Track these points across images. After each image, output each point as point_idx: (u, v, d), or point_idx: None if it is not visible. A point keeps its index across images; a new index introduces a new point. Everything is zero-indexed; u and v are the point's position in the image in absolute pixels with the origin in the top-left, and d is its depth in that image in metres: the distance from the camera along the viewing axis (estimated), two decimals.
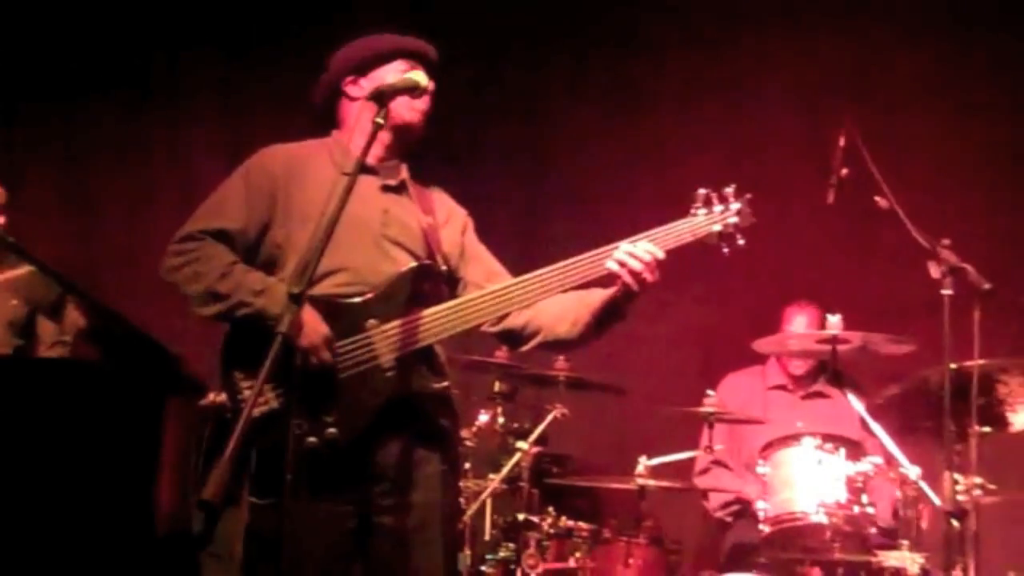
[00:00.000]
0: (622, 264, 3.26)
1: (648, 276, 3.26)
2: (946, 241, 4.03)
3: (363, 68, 3.53)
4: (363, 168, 3.31)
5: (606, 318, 3.43)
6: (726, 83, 6.80)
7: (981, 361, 4.08)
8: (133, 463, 4.80)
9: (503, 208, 6.56)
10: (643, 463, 5.19)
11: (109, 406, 3.91)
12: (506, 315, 3.47)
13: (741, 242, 3.33)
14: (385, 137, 3.45)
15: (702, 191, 3.35)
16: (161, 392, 4.65)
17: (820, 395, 5.95)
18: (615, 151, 6.90)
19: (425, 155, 3.64)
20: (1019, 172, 6.32)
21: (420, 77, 3.39)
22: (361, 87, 3.51)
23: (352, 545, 3.32)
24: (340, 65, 3.56)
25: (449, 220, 3.61)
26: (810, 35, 6.70)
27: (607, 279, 3.33)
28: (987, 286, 3.96)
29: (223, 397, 3.33)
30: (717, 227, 3.32)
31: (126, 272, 6.00)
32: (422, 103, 3.47)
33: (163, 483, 4.85)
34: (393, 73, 3.47)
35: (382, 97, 3.24)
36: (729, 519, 5.77)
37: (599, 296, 3.41)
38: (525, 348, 3.59)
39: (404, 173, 3.56)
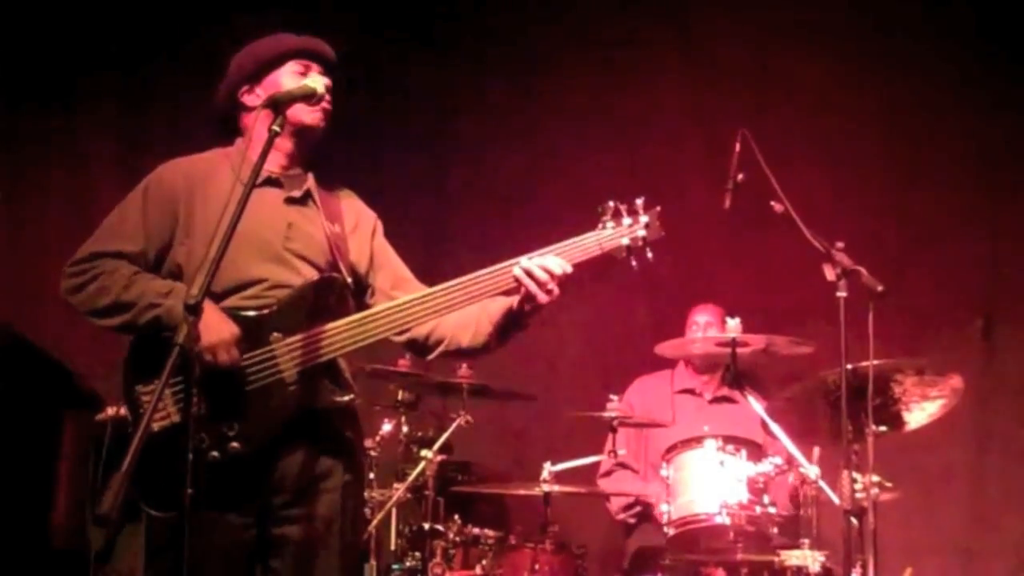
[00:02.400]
0: (529, 275, 3.25)
1: (554, 290, 3.26)
2: (840, 244, 4.09)
3: (257, 75, 3.47)
4: (267, 180, 3.30)
5: (508, 328, 3.43)
6: (625, 91, 6.86)
7: (876, 362, 4.15)
8: (28, 478, 4.72)
9: (407, 215, 6.54)
10: (548, 469, 5.21)
11: (2, 421, 3.83)
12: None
13: (649, 255, 3.33)
14: (286, 144, 3.41)
15: (611, 203, 3.32)
16: (56, 407, 4.58)
17: (727, 400, 6.01)
18: (517, 159, 6.92)
19: (327, 163, 3.60)
20: (909, 173, 6.46)
21: (316, 83, 3.37)
22: (257, 95, 3.45)
23: (254, 556, 3.29)
24: (234, 75, 3.50)
25: (358, 226, 3.58)
26: (705, 43, 6.79)
27: (511, 288, 3.32)
28: (880, 288, 4.02)
29: (123, 411, 3.27)
30: (626, 240, 3.30)
31: (20, 286, 5.88)
32: (321, 105, 3.42)
33: (59, 498, 4.77)
34: (287, 76, 3.43)
35: (278, 105, 3.21)
36: (632, 520, 5.81)
37: (501, 305, 3.41)
38: (430, 357, 3.59)
39: (310, 182, 3.51)
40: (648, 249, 3.31)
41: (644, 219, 3.31)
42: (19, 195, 6.24)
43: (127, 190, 3.47)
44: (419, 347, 3.57)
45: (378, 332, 3.32)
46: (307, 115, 3.40)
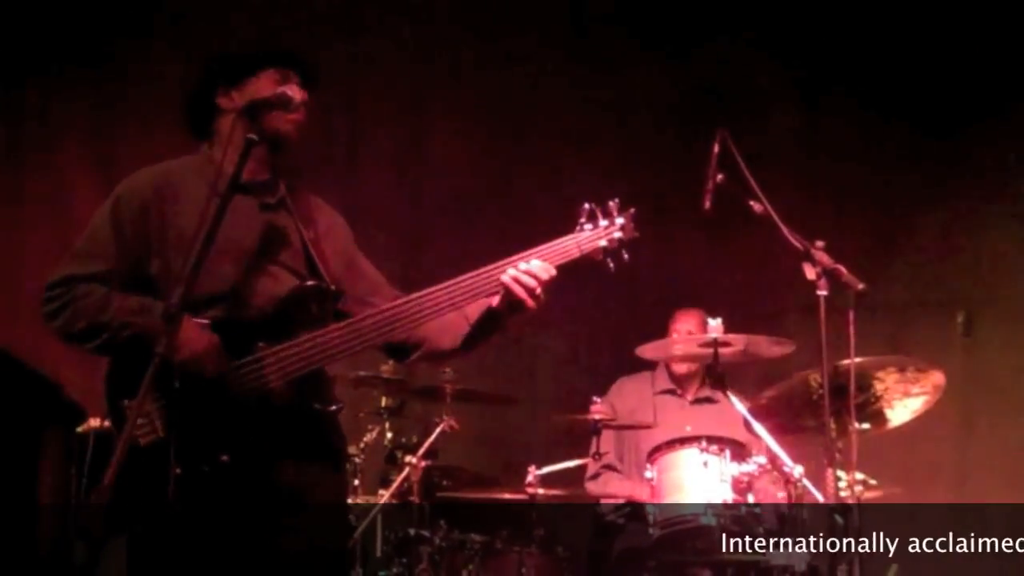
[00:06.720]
0: (516, 280, 3.26)
1: (540, 293, 3.27)
2: (820, 243, 4.10)
3: (234, 79, 3.41)
4: (240, 187, 3.26)
5: (487, 328, 3.43)
6: (601, 93, 6.87)
7: (858, 359, 4.16)
8: (12, 492, 4.70)
9: (384, 223, 6.53)
10: (533, 472, 5.21)
11: None
12: None
13: (626, 257, 3.35)
14: (259, 152, 3.33)
15: (587, 206, 3.36)
16: (39, 419, 4.56)
17: (708, 400, 6.03)
18: (496, 165, 6.92)
19: (303, 171, 3.59)
20: (888, 170, 6.49)
21: (293, 91, 3.34)
22: (233, 99, 3.39)
23: (243, 568, 3.27)
24: (210, 75, 3.44)
25: (331, 231, 3.56)
26: (681, 47, 6.81)
27: (493, 292, 3.32)
28: (860, 286, 4.03)
29: (107, 423, 3.25)
30: (603, 242, 3.33)
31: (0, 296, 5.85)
32: (296, 115, 3.39)
33: (44, 511, 4.75)
34: (266, 84, 3.37)
35: (253, 112, 3.20)
36: (621, 521, 5.82)
37: (480, 308, 3.41)
38: (409, 360, 3.59)
39: (282, 189, 3.48)
40: (624, 250, 3.34)
41: (620, 220, 3.35)
42: None
43: (102, 194, 3.42)
44: (398, 351, 3.56)
45: (364, 340, 3.29)
46: (280, 122, 3.35)
